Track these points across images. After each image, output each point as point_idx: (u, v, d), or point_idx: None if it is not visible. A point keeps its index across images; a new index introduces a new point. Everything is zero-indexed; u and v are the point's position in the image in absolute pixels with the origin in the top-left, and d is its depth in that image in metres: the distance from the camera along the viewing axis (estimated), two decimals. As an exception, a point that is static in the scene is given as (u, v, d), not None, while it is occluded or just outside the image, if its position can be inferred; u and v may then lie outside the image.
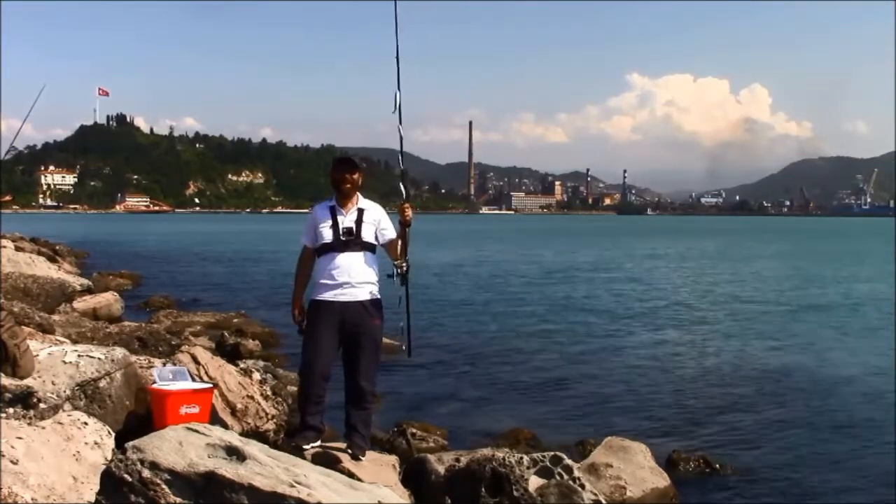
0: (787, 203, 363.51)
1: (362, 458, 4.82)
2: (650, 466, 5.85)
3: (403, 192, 5.05)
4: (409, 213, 4.92)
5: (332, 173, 4.93)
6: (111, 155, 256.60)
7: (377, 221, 4.95)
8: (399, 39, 5.16)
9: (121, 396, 5.02)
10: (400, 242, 4.97)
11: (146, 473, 2.82)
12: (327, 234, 4.86)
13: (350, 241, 4.84)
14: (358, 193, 4.98)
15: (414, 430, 6.77)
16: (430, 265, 29.92)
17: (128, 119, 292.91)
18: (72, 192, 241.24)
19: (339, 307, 4.78)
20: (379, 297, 4.93)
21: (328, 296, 4.80)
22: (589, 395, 9.05)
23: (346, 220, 4.87)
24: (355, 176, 4.91)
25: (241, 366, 7.21)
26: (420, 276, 24.51)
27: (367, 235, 4.89)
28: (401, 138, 5.10)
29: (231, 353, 9.36)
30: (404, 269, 4.95)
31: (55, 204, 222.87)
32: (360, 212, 4.91)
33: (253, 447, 3.05)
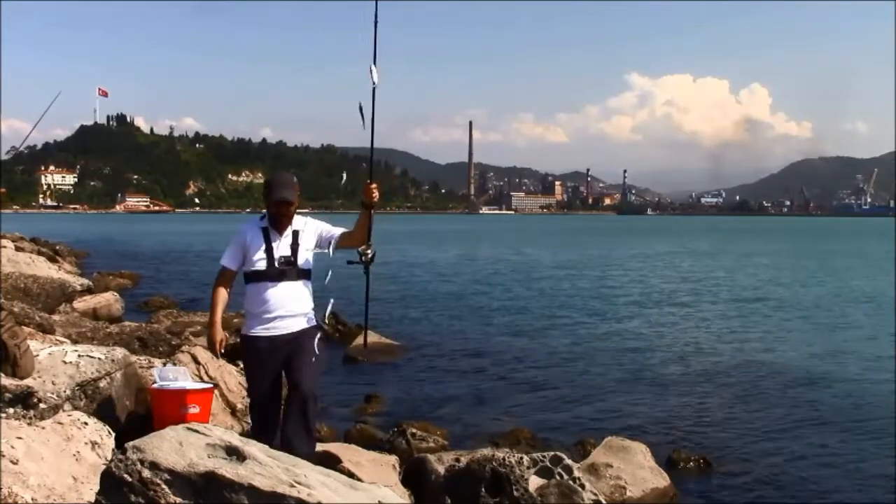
0: (788, 203, 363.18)
1: None
2: (650, 466, 5.85)
3: (370, 174, 4.54)
4: (375, 194, 4.41)
5: (268, 201, 4.41)
6: (111, 155, 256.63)
7: (316, 234, 4.51)
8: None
9: (121, 396, 5.01)
10: (362, 227, 4.44)
11: (146, 473, 2.82)
12: (260, 262, 4.40)
13: (286, 270, 4.40)
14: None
15: (414, 430, 6.77)
16: (429, 265, 29.91)
17: (128, 119, 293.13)
18: (72, 192, 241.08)
19: (272, 342, 4.40)
20: (315, 322, 4.48)
21: (260, 331, 4.42)
22: (589, 394, 9.05)
23: (282, 245, 4.41)
24: (293, 207, 4.45)
25: (242, 366, 7.20)
26: (420, 276, 24.54)
27: (304, 262, 4.45)
28: (372, 125, 4.50)
29: (231, 353, 9.33)
30: (369, 255, 4.41)
31: (55, 204, 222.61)
32: (296, 234, 4.44)
33: (253, 447, 3.05)
